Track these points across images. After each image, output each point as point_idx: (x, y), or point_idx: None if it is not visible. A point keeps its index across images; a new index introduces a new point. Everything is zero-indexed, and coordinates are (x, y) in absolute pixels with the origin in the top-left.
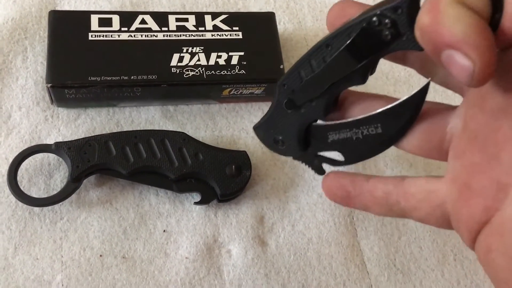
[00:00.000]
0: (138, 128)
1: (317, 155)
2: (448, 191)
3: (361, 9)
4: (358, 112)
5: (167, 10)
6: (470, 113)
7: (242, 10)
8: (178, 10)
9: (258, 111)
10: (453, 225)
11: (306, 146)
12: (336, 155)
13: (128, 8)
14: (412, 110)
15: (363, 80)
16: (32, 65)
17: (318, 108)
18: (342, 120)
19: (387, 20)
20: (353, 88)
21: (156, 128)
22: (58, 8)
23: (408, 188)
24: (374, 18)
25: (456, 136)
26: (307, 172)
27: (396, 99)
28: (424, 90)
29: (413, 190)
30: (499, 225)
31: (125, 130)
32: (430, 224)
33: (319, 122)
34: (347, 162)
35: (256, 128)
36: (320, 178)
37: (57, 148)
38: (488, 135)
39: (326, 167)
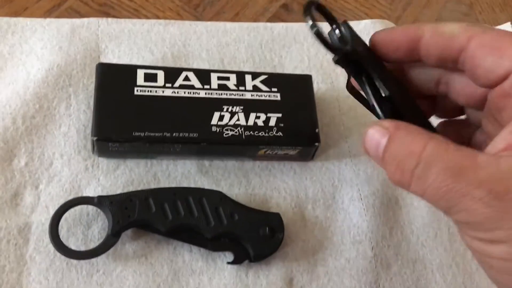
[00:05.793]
0: (174, 182)
1: None
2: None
3: (404, 32)
4: None
5: (207, 63)
6: None
7: (277, 67)
8: (217, 64)
9: (290, 170)
10: None
11: None
12: None
13: (170, 60)
14: None
15: None
16: (75, 112)
17: None
18: None
19: None
20: None
21: (192, 183)
22: (102, 57)
23: None
24: None
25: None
26: (336, 235)
27: None
28: None
29: None
30: None
31: (161, 182)
32: None
33: None
34: None
35: None
36: (346, 242)
37: (100, 202)
38: None
39: None
